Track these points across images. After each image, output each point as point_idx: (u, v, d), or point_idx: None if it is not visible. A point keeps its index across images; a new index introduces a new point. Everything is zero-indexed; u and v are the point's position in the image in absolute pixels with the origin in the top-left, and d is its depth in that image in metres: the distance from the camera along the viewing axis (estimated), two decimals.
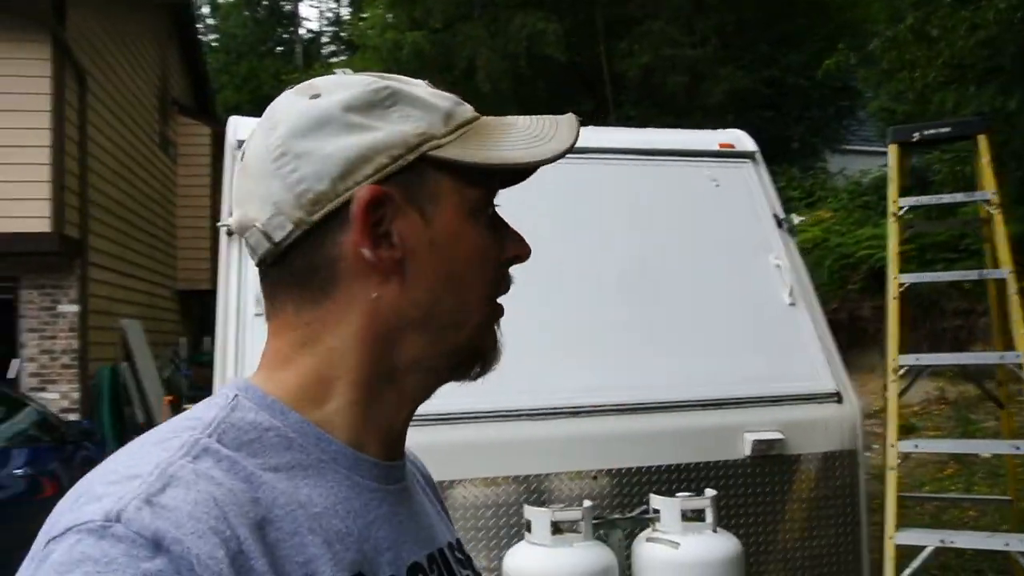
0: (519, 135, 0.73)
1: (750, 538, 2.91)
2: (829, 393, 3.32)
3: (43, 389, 7.79)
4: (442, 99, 0.73)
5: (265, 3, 36.87)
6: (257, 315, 3.08)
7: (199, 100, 15.14)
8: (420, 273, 0.69)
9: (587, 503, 2.51)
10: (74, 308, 8.01)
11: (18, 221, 7.49)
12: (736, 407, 3.19)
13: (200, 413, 0.66)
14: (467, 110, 0.74)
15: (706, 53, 17.38)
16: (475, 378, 0.77)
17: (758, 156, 3.94)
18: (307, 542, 0.61)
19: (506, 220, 0.76)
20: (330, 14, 38.38)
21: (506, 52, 17.21)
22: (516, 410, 3.11)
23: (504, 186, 0.77)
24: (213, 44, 38.40)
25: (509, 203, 3.15)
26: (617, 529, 2.56)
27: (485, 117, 0.75)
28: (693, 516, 2.43)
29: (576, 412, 3.12)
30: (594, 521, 2.51)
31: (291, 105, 0.70)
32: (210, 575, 0.53)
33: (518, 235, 0.76)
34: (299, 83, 0.75)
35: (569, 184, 3.53)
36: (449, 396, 2.65)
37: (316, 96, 0.69)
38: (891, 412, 3.72)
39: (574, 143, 0.73)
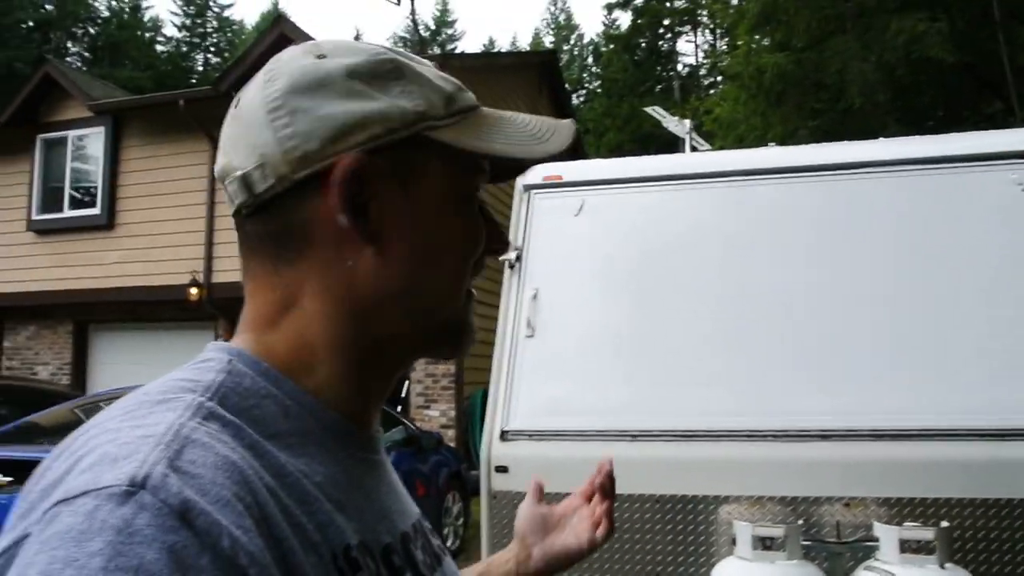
0: (516, 131, 0.73)
1: None
2: None
3: (427, 407, 9.11)
4: (446, 82, 0.72)
5: (644, 45, 38.42)
6: (528, 336, 3.46)
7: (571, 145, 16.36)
8: (398, 248, 0.68)
9: (800, 521, 2.44)
10: None
11: None
12: (1021, 440, 2.83)
13: (195, 376, 0.63)
14: (469, 97, 0.73)
15: None
16: (448, 357, 0.77)
17: None
18: (315, 509, 0.60)
19: (489, 213, 0.77)
20: (706, 47, 38.80)
21: (881, 61, 16.03)
22: (769, 431, 3.09)
23: (496, 180, 0.78)
24: (597, 90, 40.97)
25: (780, 224, 3.28)
26: (839, 554, 2.45)
27: (485, 108, 0.74)
28: (921, 548, 2.25)
29: (829, 436, 3.02)
30: (806, 542, 2.44)
31: (295, 61, 0.69)
32: (239, 547, 0.50)
33: (497, 229, 0.76)
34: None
35: (845, 202, 3.41)
36: (702, 414, 2.84)
37: (322, 56, 0.69)
38: None
39: (566, 147, 0.74)
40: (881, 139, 3.99)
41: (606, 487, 1.09)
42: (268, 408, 0.63)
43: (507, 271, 3.73)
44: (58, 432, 5.10)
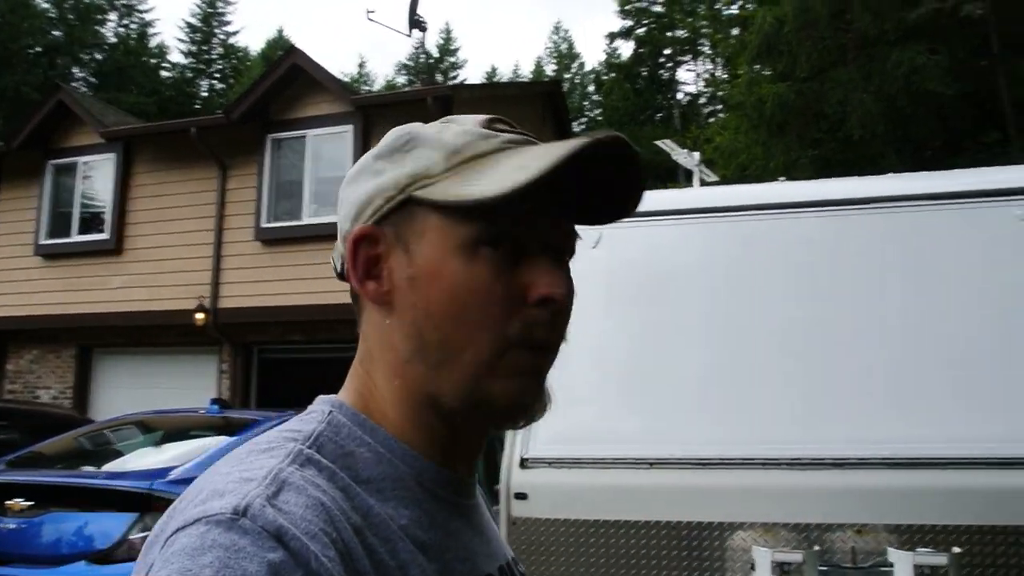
0: (508, 165, 0.69)
1: None
2: None
3: None
4: (463, 135, 0.73)
5: (645, 74, 38.76)
6: None
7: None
8: (405, 307, 0.72)
9: (817, 548, 2.51)
10: None
11: None
12: None
13: (299, 427, 0.70)
14: (487, 144, 0.73)
15: None
16: (498, 428, 0.76)
17: None
18: (399, 548, 0.65)
19: (544, 261, 0.72)
20: (707, 75, 39.15)
21: (881, 93, 16.22)
22: (787, 459, 3.15)
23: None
24: (598, 119, 41.27)
25: (795, 258, 3.36)
26: None
27: (512, 149, 0.72)
28: (934, 574, 2.31)
29: (842, 464, 3.08)
30: (823, 567, 2.50)
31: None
32: (324, 570, 0.56)
33: (549, 276, 0.71)
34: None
35: (859, 236, 3.50)
36: (717, 443, 2.90)
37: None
38: None
39: (555, 166, 0.66)
40: (889, 175, 4.09)
41: None
42: (362, 455, 0.69)
43: None
44: (66, 459, 5.14)
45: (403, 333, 0.72)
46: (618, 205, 0.76)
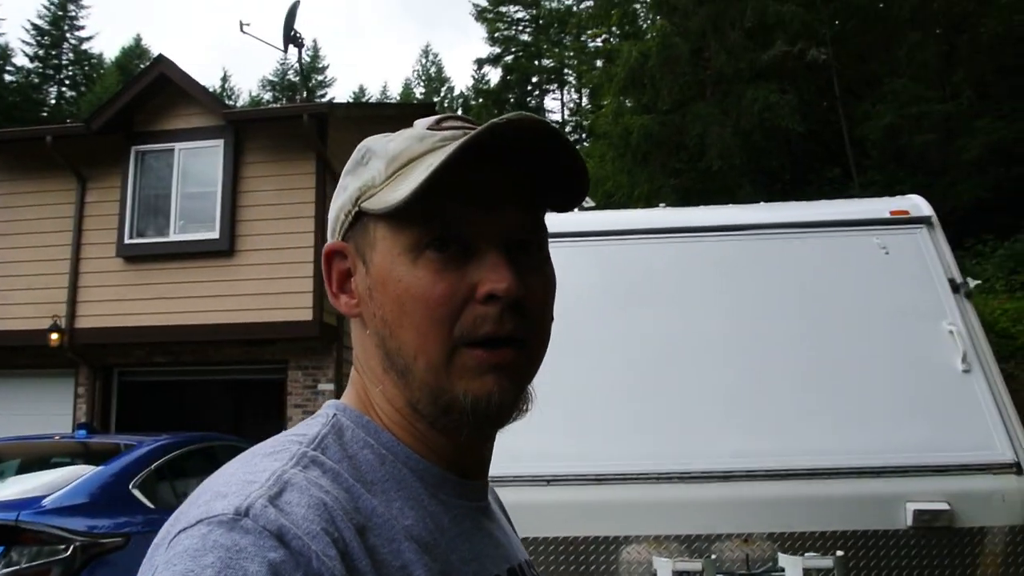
0: (424, 165, 0.70)
1: None
2: (1006, 464, 3.17)
3: None
4: (404, 141, 0.74)
5: (512, 101, 39.43)
6: None
7: None
8: (370, 318, 0.74)
9: (713, 556, 2.65)
10: (331, 387, 9.11)
11: (288, 312, 8.82)
12: (897, 476, 3.16)
13: (304, 430, 0.72)
14: (420, 146, 0.73)
15: (958, 106, 16.29)
16: (484, 427, 0.73)
17: (934, 220, 3.88)
18: (402, 549, 0.65)
19: (493, 256, 0.70)
20: (572, 104, 40.25)
21: (738, 128, 17.20)
22: (677, 473, 3.30)
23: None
24: None
25: (675, 280, 3.50)
26: None
27: (442, 147, 0.71)
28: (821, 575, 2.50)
29: (728, 476, 3.25)
30: (719, 575, 2.64)
31: None
32: (325, 569, 0.57)
33: (495, 271, 0.70)
34: None
35: (733, 260, 3.73)
36: (609, 459, 2.98)
37: None
38: None
39: (448, 161, 0.66)
40: (763, 204, 4.39)
41: None
42: (366, 457, 0.70)
43: None
44: None
45: (373, 344, 0.74)
46: (569, 186, 0.75)
